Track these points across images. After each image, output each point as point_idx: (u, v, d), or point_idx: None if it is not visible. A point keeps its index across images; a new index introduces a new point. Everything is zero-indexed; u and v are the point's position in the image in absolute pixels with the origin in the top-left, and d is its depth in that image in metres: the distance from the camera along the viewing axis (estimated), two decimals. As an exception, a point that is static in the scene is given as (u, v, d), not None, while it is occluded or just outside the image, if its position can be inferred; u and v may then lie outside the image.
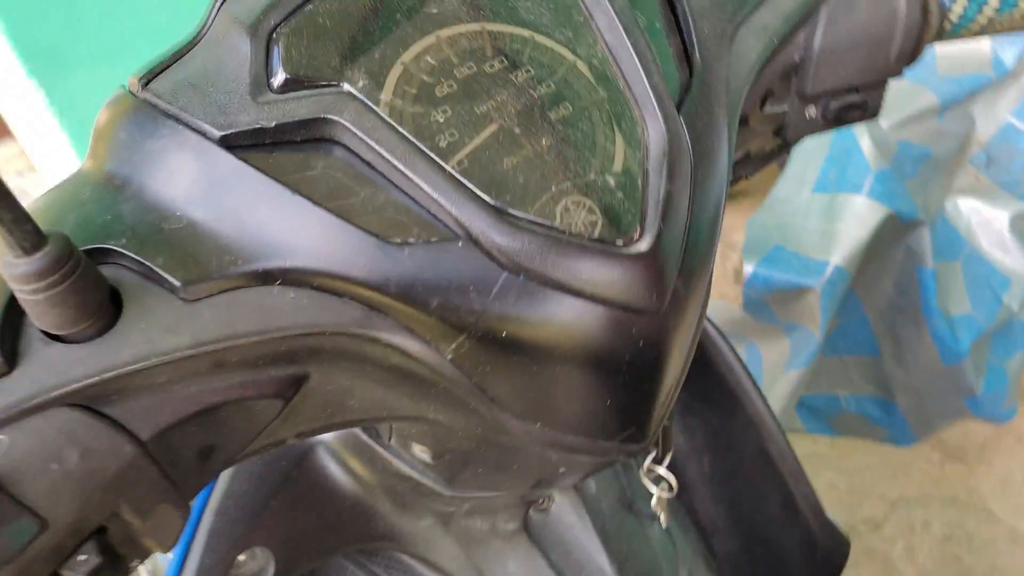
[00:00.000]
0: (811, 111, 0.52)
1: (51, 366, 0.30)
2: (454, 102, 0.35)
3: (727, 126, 0.40)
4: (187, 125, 0.33)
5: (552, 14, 0.38)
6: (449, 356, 0.34)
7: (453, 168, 0.33)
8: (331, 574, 0.72)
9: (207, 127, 0.33)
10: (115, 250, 0.31)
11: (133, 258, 0.31)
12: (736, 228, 1.72)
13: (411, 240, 0.32)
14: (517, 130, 0.35)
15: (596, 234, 0.33)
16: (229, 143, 0.33)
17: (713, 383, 0.87)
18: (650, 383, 0.37)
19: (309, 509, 0.56)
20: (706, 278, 0.38)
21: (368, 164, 0.33)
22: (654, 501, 0.70)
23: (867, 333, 1.49)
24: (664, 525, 0.74)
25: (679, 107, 0.37)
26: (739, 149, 0.56)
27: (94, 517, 0.32)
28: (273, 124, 0.32)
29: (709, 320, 0.85)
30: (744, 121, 0.52)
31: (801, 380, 1.43)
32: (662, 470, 0.70)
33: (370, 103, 0.34)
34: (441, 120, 0.34)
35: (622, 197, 0.35)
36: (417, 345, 0.34)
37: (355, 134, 0.33)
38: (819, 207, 1.35)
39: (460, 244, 0.32)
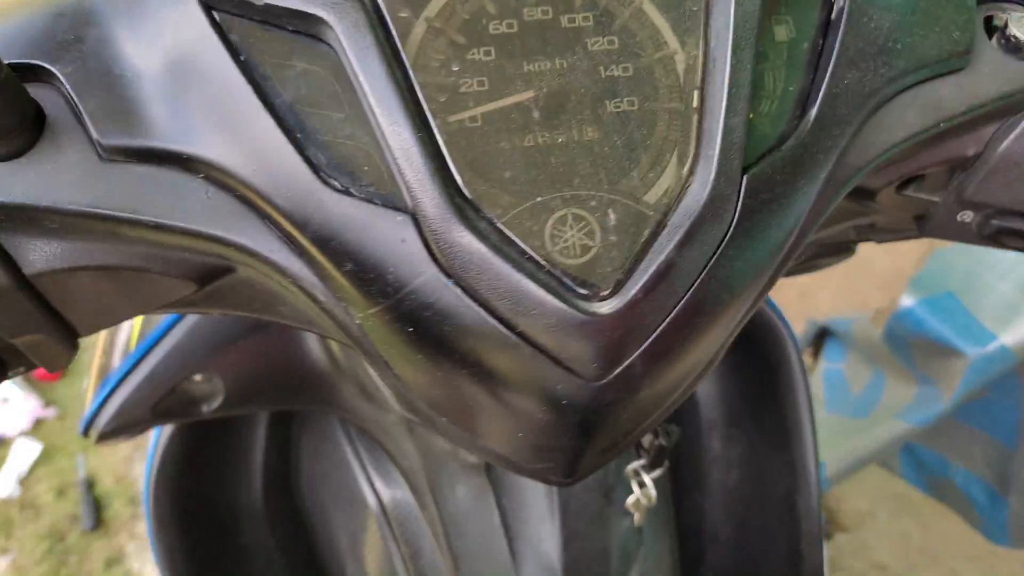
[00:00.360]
0: (965, 217, 0.42)
1: None
2: (503, 47, 0.30)
3: (816, 202, 0.33)
4: None
5: None
6: (357, 320, 0.31)
7: (442, 127, 0.29)
8: (319, 421, 0.75)
9: None
10: (57, 75, 0.30)
11: (68, 92, 0.29)
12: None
13: (352, 191, 0.29)
14: (553, 108, 0.30)
15: (580, 263, 0.29)
16: (211, 3, 0.29)
17: (771, 409, 0.80)
18: (573, 441, 0.33)
19: (275, 361, 0.57)
20: (691, 363, 0.33)
21: (352, 86, 0.29)
22: (630, 499, 0.67)
23: (1011, 421, 1.31)
24: (637, 524, 0.71)
25: (753, 164, 0.31)
26: (856, 218, 0.47)
27: None
28: (262, 2, 0.29)
29: (796, 346, 0.77)
30: (868, 194, 0.42)
31: (909, 435, 1.30)
32: (647, 479, 0.66)
33: (393, 17, 0.29)
34: (474, 63, 0.30)
35: (616, 240, 0.30)
36: (326, 297, 0.31)
37: (343, 47, 0.28)
38: (1022, 276, 1.15)
39: (399, 219, 0.29)
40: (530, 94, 0.30)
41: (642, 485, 0.66)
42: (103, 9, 0.31)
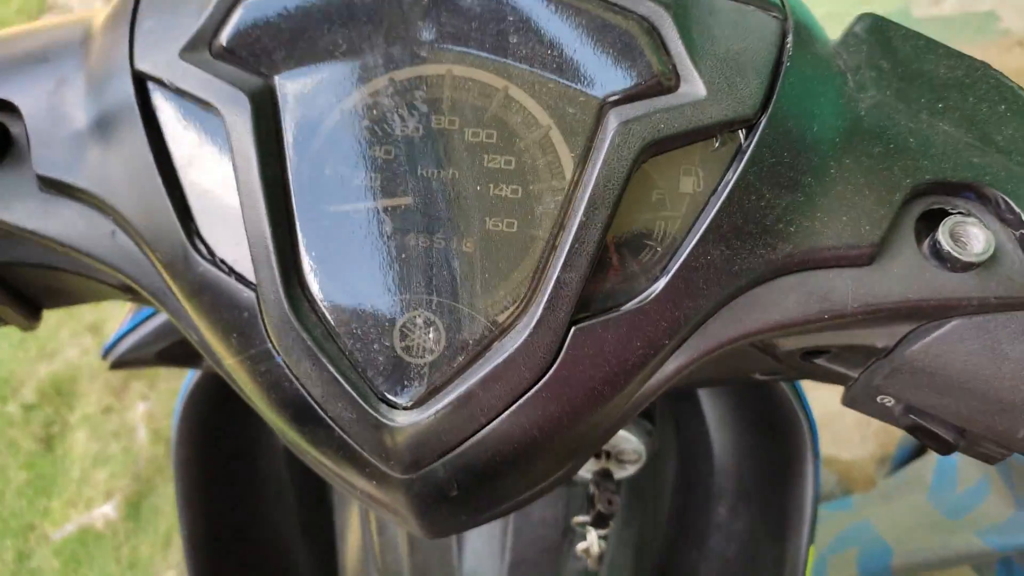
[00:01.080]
0: (887, 401, 0.39)
1: None
2: (404, 149, 0.31)
3: (663, 366, 0.33)
4: (131, 38, 0.34)
5: (570, 112, 0.31)
6: (223, 363, 0.36)
7: (319, 216, 0.31)
8: None
9: (137, 52, 0.33)
10: (19, 110, 0.35)
11: (25, 125, 0.35)
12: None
13: (216, 259, 0.32)
14: (435, 215, 0.31)
15: (417, 364, 0.31)
16: (139, 76, 0.33)
17: (776, 498, 0.78)
18: (406, 512, 0.35)
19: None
20: (513, 482, 0.35)
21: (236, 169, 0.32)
22: (580, 546, 0.69)
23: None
24: (590, 568, 0.73)
25: (585, 318, 0.31)
26: (754, 370, 0.45)
27: None
28: (174, 86, 0.32)
29: (815, 445, 0.74)
30: (772, 354, 0.41)
31: (984, 556, 1.18)
32: (592, 535, 0.67)
33: (292, 110, 0.32)
34: (373, 160, 0.31)
35: (449, 353, 0.31)
36: (199, 338, 0.35)
37: (227, 134, 0.31)
38: None
39: (245, 293, 0.32)
40: (410, 199, 0.31)
41: (588, 534, 0.68)
42: (66, 60, 0.35)
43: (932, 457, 1.47)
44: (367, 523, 0.77)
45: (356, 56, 0.32)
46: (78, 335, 1.90)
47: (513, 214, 0.31)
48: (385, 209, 0.31)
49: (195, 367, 0.64)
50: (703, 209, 0.31)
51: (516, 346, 0.30)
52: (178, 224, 0.32)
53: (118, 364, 0.61)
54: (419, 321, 0.31)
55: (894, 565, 1.27)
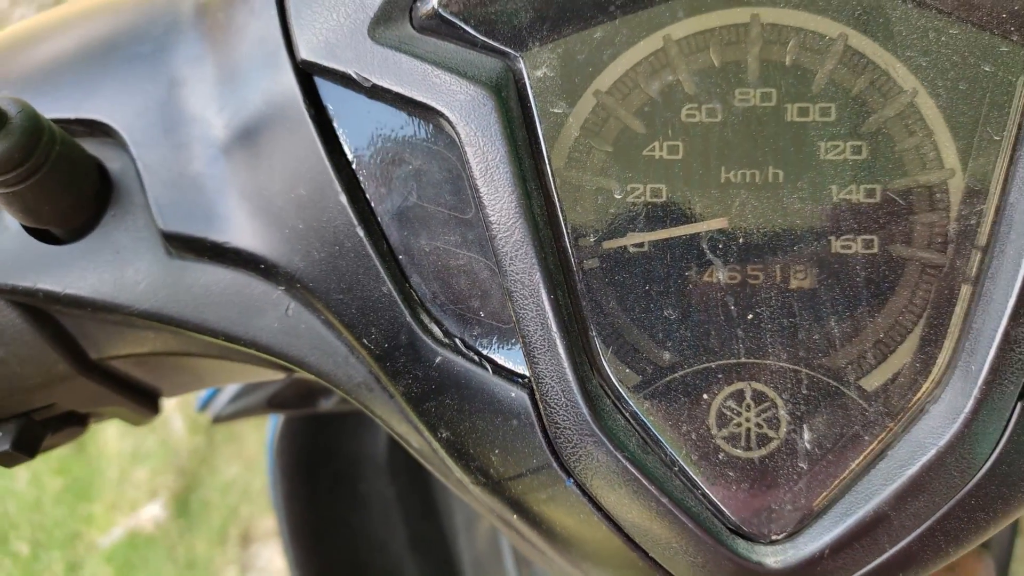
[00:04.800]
0: None
1: (4, 253, 0.26)
2: (697, 143, 0.22)
3: None
4: (287, 35, 0.24)
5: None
6: (457, 476, 0.27)
7: (588, 253, 0.22)
8: None
9: (298, 32, 0.23)
10: (120, 133, 0.24)
11: (132, 154, 0.24)
12: None
13: (458, 342, 0.24)
14: (753, 240, 0.22)
15: (750, 458, 0.22)
16: (308, 69, 0.23)
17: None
18: None
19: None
20: None
21: (474, 201, 0.23)
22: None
23: None
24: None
25: None
26: None
27: (14, 407, 0.29)
28: (370, 84, 0.22)
29: None
30: None
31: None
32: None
33: (542, 111, 0.22)
34: (653, 164, 0.22)
35: (808, 439, 0.22)
36: (421, 446, 0.27)
37: (466, 155, 0.21)
38: None
39: (513, 394, 0.23)
40: (722, 222, 0.22)
41: None
42: (183, 60, 0.25)
43: None
44: (503, 553, 0.69)
45: (626, 11, 0.22)
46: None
47: (872, 228, 0.22)
48: (687, 239, 0.22)
49: (311, 409, 0.53)
50: None
51: (946, 440, 0.21)
52: (396, 294, 0.23)
53: (220, 419, 0.50)
54: (746, 397, 0.22)
55: None
